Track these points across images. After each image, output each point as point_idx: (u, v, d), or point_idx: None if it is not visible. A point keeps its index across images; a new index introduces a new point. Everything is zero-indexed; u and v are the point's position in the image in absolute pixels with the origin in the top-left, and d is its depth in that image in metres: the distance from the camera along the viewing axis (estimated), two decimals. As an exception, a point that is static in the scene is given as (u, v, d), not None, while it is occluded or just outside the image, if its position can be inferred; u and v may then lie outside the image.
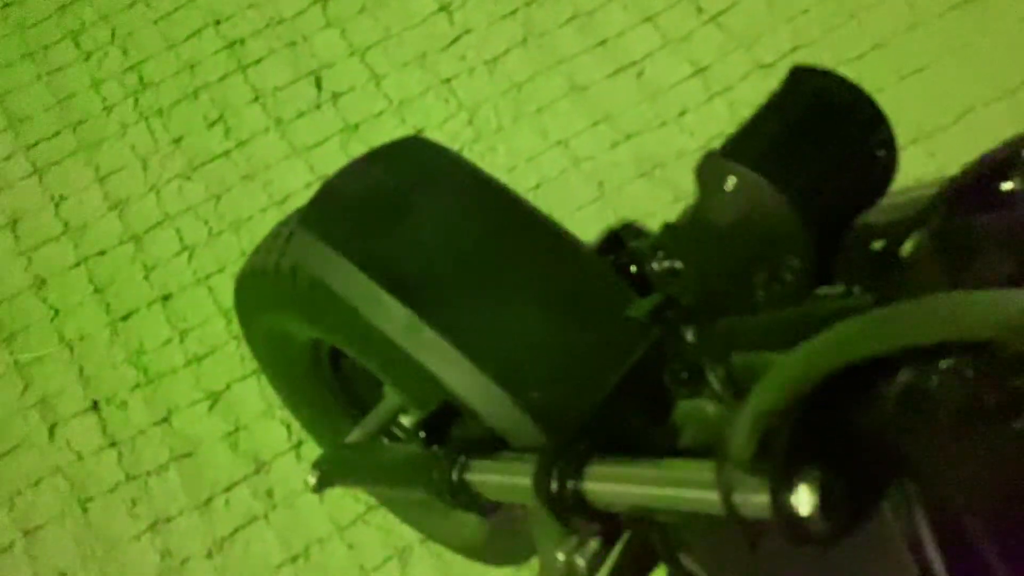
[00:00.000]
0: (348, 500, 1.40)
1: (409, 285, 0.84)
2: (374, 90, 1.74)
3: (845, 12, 1.64)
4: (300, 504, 1.42)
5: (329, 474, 1.03)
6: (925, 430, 0.47)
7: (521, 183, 1.56)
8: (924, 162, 1.51)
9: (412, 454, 0.87)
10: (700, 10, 1.70)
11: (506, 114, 1.67)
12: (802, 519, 0.44)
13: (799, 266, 0.54)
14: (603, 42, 1.71)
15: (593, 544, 0.64)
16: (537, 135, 1.64)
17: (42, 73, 1.89)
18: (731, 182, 0.53)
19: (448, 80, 1.73)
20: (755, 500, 0.47)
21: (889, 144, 0.58)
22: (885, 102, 1.35)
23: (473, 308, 0.83)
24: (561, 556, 0.66)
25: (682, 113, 1.62)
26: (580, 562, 0.64)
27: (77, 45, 1.91)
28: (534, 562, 1.15)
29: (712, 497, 0.50)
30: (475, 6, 1.79)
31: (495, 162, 1.61)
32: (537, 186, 1.57)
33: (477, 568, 1.30)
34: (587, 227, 0.88)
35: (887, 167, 0.58)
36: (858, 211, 0.57)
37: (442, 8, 1.80)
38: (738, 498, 0.48)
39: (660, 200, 1.54)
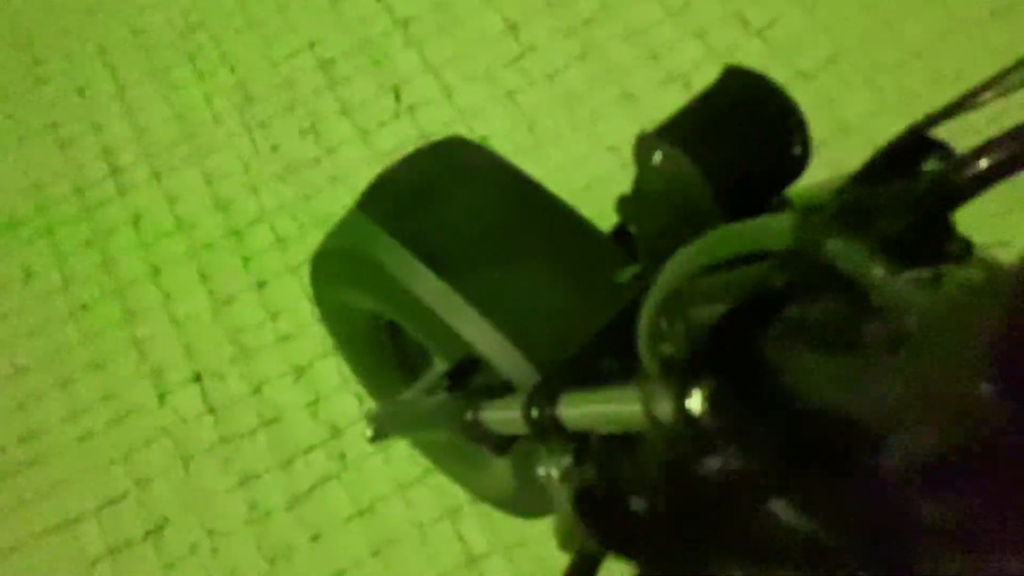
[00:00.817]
0: (408, 464, 1.58)
1: (443, 259, 1.01)
2: (446, 102, 1.92)
3: (883, 21, 1.73)
4: (367, 466, 1.61)
5: (382, 426, 1.20)
6: (803, 352, 0.59)
7: (573, 183, 1.72)
8: (956, 164, 1.58)
9: (441, 401, 1.03)
10: (745, 24, 1.82)
11: (563, 122, 1.83)
12: (695, 418, 0.57)
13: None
14: (655, 56, 1.85)
15: (565, 460, 0.78)
16: (590, 140, 1.79)
17: (163, 90, 2.16)
18: (657, 156, 0.66)
19: (512, 92, 1.90)
20: (664, 407, 0.60)
21: (801, 131, 0.69)
22: (922, 107, 1.49)
23: (493, 278, 0.99)
24: (541, 471, 0.80)
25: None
26: (554, 473, 0.78)
27: (193, 65, 2.17)
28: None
29: (638, 410, 0.63)
30: (539, 25, 1.95)
31: (550, 165, 1.76)
32: (587, 186, 1.71)
33: (517, 524, 1.46)
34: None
35: (801, 151, 0.69)
36: (776, 186, 0.69)
37: (509, 28, 1.97)
38: (654, 408, 0.62)
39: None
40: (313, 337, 1.76)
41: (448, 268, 1.00)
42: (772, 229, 0.46)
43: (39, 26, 2.40)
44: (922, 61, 1.68)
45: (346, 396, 1.68)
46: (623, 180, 1.75)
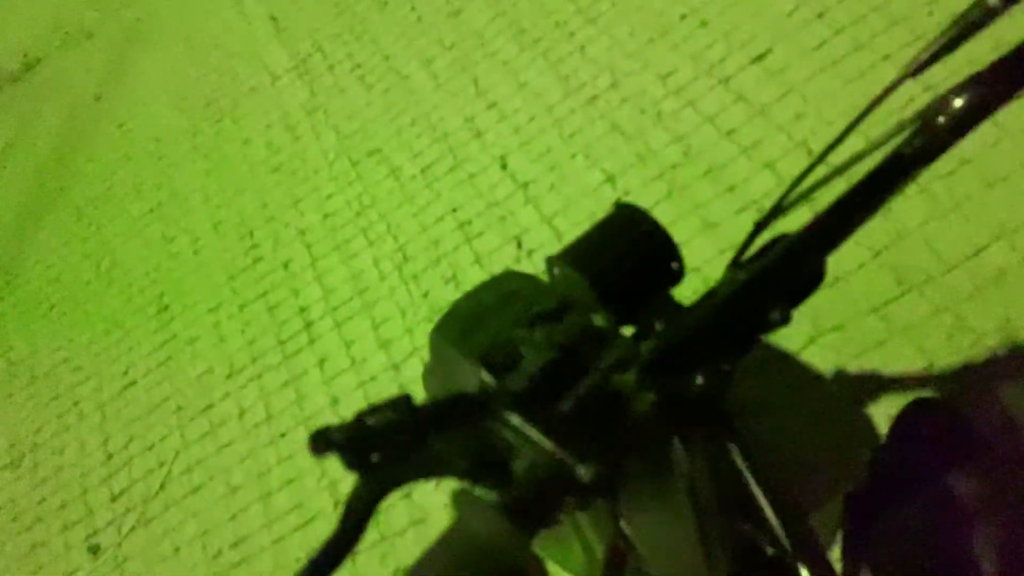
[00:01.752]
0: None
1: (490, 362, 1.31)
2: (558, 244, 2.28)
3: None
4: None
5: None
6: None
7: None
8: (1007, 255, 1.70)
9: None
10: (810, 152, 2.06)
11: (654, 252, 2.12)
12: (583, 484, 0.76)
13: (606, 320, 0.90)
14: (731, 188, 2.12)
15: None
16: (674, 266, 2.06)
17: (344, 258, 2.68)
18: (556, 271, 0.93)
19: (612, 231, 2.22)
20: None
21: (667, 245, 0.87)
22: (972, 208, 1.73)
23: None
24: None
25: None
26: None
27: (365, 237, 2.69)
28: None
29: None
30: (632, 174, 2.29)
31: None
32: (669, 304, 1.97)
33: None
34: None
35: (675, 264, 0.91)
36: (654, 291, 0.93)
37: (607, 179, 2.32)
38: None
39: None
40: (453, 449, 2.10)
41: (495, 368, 1.31)
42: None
43: (256, 217, 3.05)
44: (972, 167, 1.84)
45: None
46: (704, 296, 2.00)
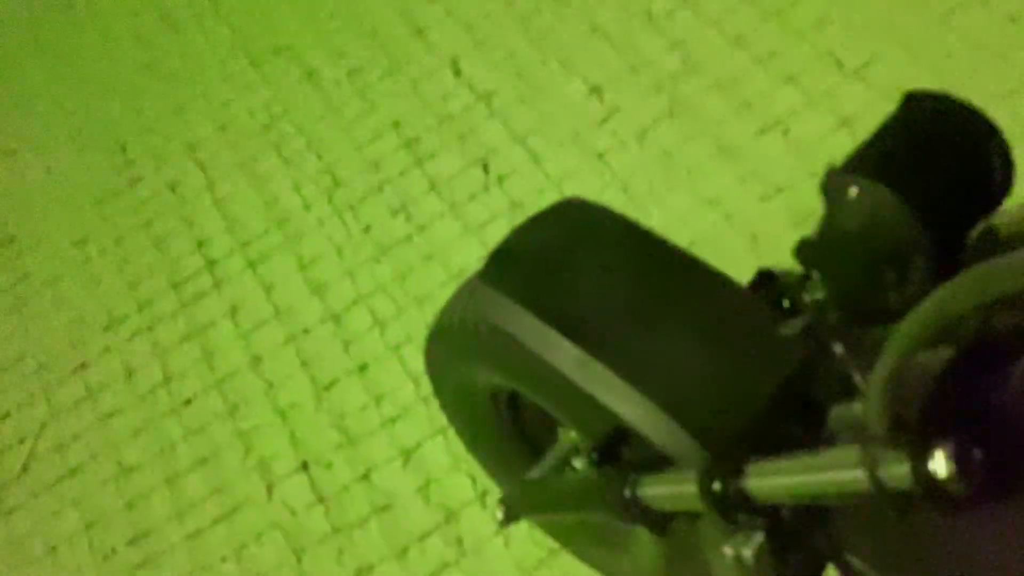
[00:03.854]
0: (531, 545, 1.50)
1: (578, 326, 0.95)
2: (535, 169, 1.90)
3: (990, 52, 1.66)
4: (487, 551, 1.53)
5: (513, 508, 1.13)
6: None
7: (676, 240, 1.65)
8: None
9: (587, 479, 0.96)
10: (841, 65, 1.77)
11: (658, 180, 1.78)
12: (941, 482, 0.49)
13: (923, 265, 0.60)
14: (748, 104, 1.80)
15: (758, 537, 0.71)
16: (689, 196, 1.73)
17: (252, 181, 2.19)
18: (852, 192, 0.61)
19: (602, 155, 1.87)
20: (897, 471, 0.52)
21: (1003, 154, 0.62)
22: None
23: (635, 343, 0.93)
24: (729, 551, 0.73)
25: (831, 164, 1.67)
26: (746, 553, 0.70)
27: (279, 155, 2.20)
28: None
29: (859, 475, 0.56)
30: (623, 86, 1.93)
31: (649, 224, 1.71)
32: (691, 243, 1.65)
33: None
34: (742, 277, 0.96)
35: (1004, 174, 0.63)
36: (978, 214, 0.63)
37: (592, 91, 1.95)
38: (882, 472, 0.54)
39: (814, 248, 1.58)
40: (419, 418, 1.72)
41: (585, 335, 0.94)
42: None
43: (129, 128, 2.47)
44: (1036, 87, 1.61)
45: (459, 477, 1.62)
46: (728, 234, 1.69)
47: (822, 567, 0.79)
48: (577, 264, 1.00)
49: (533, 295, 0.99)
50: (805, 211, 1.65)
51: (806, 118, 1.74)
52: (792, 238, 1.66)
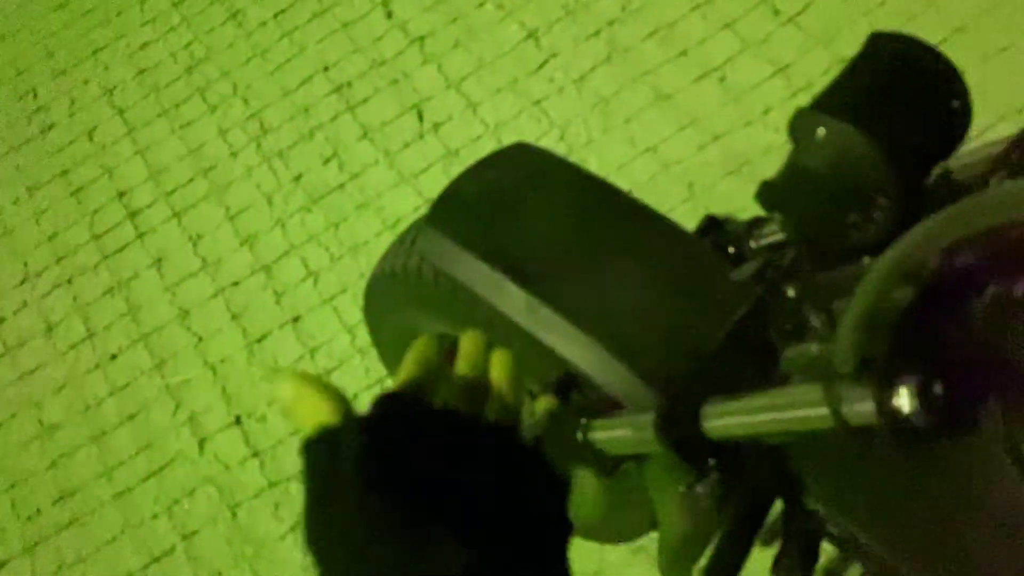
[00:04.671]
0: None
1: (525, 270, 0.94)
2: (471, 117, 1.86)
3: (923, 0, 1.68)
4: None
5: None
6: (1013, 337, 0.52)
7: (616, 189, 1.65)
8: (1014, 138, 1.53)
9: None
10: (777, 12, 1.77)
11: (596, 127, 1.77)
12: (905, 416, 0.50)
13: (887, 205, 0.60)
14: (685, 52, 1.80)
15: (713, 475, 0.71)
16: (626, 144, 1.73)
17: (175, 127, 2.09)
18: (820, 132, 0.60)
19: (539, 101, 1.84)
20: (861, 407, 0.52)
21: (962, 95, 0.62)
22: (970, 84, 1.41)
23: (584, 287, 0.92)
24: (682, 488, 0.73)
25: (766, 111, 1.68)
26: (700, 490, 0.71)
27: (204, 100, 2.11)
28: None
29: (822, 412, 0.56)
30: (560, 31, 1.90)
31: (589, 172, 1.70)
32: (629, 191, 1.64)
33: (594, 550, 1.38)
34: (682, 224, 0.95)
35: (963, 116, 0.63)
36: (939, 156, 0.63)
37: (529, 36, 1.92)
38: (846, 408, 0.54)
39: (750, 195, 1.59)
40: (355, 370, 1.69)
41: (533, 280, 0.93)
42: None
43: (40, 70, 2.33)
44: (967, 35, 1.63)
45: (398, 428, 1.60)
46: (666, 182, 1.69)
47: (770, 502, 0.80)
48: (525, 209, 0.98)
49: (480, 239, 0.96)
50: (740, 158, 1.66)
51: (742, 64, 1.74)
52: (728, 185, 1.68)
